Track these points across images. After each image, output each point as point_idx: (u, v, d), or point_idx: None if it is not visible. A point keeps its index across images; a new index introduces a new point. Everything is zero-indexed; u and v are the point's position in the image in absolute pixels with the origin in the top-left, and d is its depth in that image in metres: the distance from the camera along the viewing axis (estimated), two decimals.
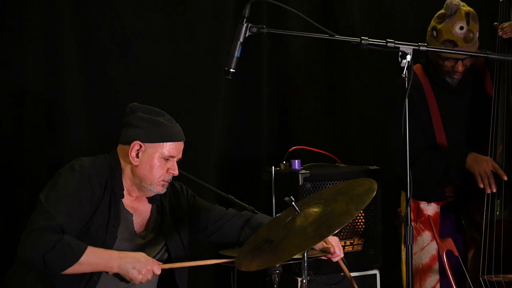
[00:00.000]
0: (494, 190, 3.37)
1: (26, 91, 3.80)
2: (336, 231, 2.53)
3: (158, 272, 2.83)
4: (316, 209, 2.63)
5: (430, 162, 3.47)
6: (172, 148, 2.94)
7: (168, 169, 2.95)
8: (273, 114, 4.39)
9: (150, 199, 3.03)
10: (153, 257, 2.95)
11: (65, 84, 3.86)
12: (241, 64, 2.71)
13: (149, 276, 2.80)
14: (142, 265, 2.78)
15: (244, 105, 4.30)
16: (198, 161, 4.10)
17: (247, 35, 2.69)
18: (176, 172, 2.97)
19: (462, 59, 3.40)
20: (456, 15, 3.38)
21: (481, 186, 3.37)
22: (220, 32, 4.16)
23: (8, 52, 3.75)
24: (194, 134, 4.11)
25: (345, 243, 3.64)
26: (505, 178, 3.36)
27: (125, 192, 2.95)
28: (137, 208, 3.00)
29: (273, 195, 3.59)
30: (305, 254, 2.71)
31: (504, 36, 3.47)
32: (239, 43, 2.69)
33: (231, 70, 2.70)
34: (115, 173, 2.93)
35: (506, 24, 3.49)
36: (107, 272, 2.80)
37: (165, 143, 2.92)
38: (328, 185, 3.61)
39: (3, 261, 3.55)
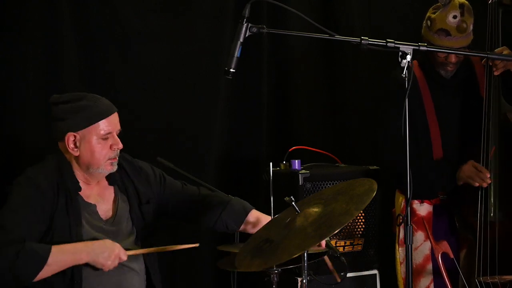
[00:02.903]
0: (489, 181, 3.39)
1: (26, 91, 3.79)
2: (336, 231, 2.53)
3: (125, 258, 2.82)
4: (316, 209, 2.63)
5: (421, 169, 3.46)
6: (106, 125, 2.90)
7: (111, 146, 2.91)
8: (273, 114, 4.39)
9: (110, 181, 3.00)
10: (127, 244, 2.93)
11: (65, 84, 3.85)
12: (241, 64, 2.71)
13: (117, 262, 2.79)
14: (110, 251, 2.78)
15: (244, 105, 4.30)
16: (198, 161, 4.10)
17: (247, 35, 2.70)
18: (120, 146, 2.93)
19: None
20: (450, 5, 3.42)
21: (476, 185, 3.40)
22: (220, 32, 4.16)
23: (8, 52, 3.74)
24: (194, 134, 4.12)
25: (345, 243, 3.64)
26: (489, 180, 3.40)
27: (81, 184, 2.92)
28: (99, 194, 2.97)
29: (271, 194, 3.59)
30: (305, 254, 2.71)
31: (495, 72, 3.45)
32: (239, 43, 2.69)
33: (231, 70, 2.71)
34: (64, 169, 2.90)
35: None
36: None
37: (96, 123, 2.89)
38: (328, 185, 3.61)
39: None
